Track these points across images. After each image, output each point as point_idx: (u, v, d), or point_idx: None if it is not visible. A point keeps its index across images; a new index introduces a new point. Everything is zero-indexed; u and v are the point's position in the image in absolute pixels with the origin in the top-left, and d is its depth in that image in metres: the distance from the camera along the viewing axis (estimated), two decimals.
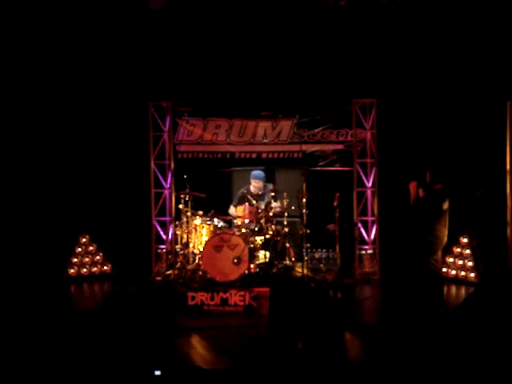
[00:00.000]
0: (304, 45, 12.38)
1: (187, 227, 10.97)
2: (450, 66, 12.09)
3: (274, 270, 10.79)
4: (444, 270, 11.57)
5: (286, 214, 11.03)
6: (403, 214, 10.42)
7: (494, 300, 9.00)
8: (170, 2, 12.41)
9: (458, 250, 11.58)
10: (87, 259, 12.27)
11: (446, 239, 9.71)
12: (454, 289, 11.29)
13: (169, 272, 10.90)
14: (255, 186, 11.62)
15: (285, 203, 10.99)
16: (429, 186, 9.69)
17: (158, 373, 7.09)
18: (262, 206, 11.20)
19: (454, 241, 11.55)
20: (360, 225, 12.04)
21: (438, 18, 11.97)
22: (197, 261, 10.76)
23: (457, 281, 11.50)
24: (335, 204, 10.55)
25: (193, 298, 9.81)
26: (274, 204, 11.18)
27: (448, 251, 11.55)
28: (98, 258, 12.38)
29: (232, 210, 11.62)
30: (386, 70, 12.30)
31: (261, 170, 11.82)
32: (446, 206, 9.61)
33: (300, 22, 12.33)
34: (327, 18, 12.30)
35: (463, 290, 11.17)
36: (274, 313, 9.35)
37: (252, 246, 10.58)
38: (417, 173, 9.96)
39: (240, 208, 11.13)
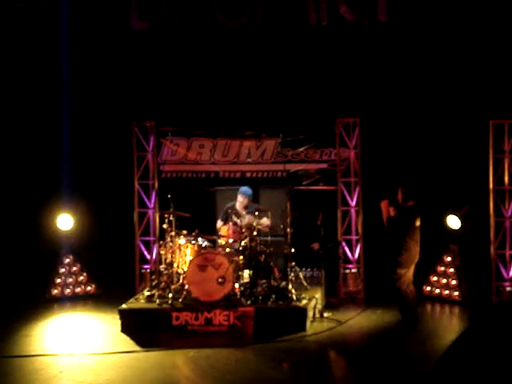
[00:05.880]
0: (287, 65, 12.44)
1: (171, 247, 10.91)
2: (432, 84, 12.18)
3: (259, 290, 10.75)
4: (428, 288, 11.63)
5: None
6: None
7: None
8: (153, 22, 12.45)
9: (442, 268, 11.61)
10: (71, 280, 12.17)
11: (418, 256, 9.73)
12: (437, 307, 11.33)
13: (153, 292, 10.84)
14: (240, 201, 11.49)
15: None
16: (400, 204, 9.75)
17: None
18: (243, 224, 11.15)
19: (437, 259, 11.60)
20: (344, 244, 12.05)
21: (420, 38, 12.07)
22: (181, 280, 10.70)
23: (441, 299, 11.52)
24: (319, 223, 10.59)
25: (177, 318, 9.78)
26: (263, 220, 11.12)
27: (432, 270, 11.60)
28: (81, 278, 12.28)
29: (219, 224, 11.54)
30: (369, 90, 12.37)
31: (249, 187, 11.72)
32: (418, 222, 9.67)
33: (283, 43, 12.41)
34: (310, 38, 12.37)
35: (447, 309, 11.22)
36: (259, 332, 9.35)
37: (236, 265, 10.55)
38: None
39: (224, 227, 11.12)
